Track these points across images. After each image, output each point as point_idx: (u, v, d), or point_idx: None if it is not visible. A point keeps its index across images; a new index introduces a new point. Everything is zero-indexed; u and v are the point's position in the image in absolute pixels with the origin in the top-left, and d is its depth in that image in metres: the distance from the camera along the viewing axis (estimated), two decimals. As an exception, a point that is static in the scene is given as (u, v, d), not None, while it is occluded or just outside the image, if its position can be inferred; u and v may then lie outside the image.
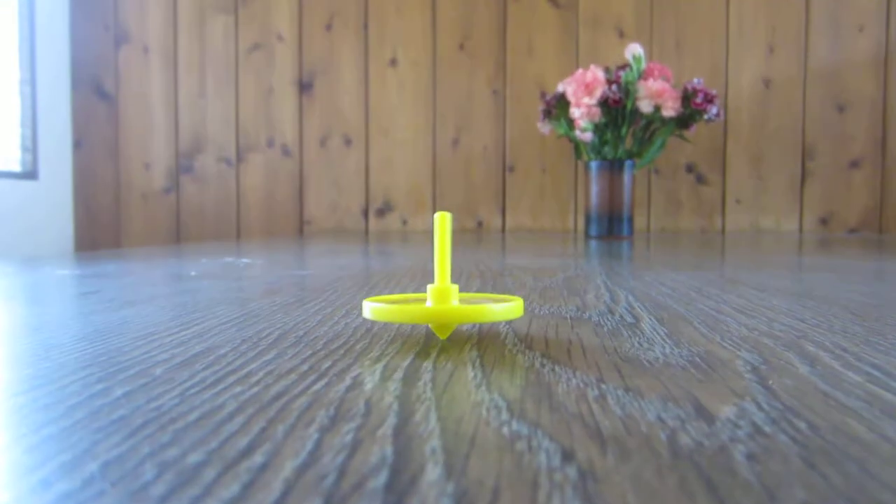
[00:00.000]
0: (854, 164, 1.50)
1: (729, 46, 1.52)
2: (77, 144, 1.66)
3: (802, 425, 0.15)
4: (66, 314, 0.30)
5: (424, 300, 0.26)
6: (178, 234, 1.65)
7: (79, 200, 1.66)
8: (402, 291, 0.41)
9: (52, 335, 0.25)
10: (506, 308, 0.24)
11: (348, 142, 1.61)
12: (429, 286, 0.25)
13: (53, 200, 1.60)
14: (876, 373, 0.20)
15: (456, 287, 0.25)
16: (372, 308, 0.24)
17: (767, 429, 0.15)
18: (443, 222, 0.24)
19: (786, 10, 1.50)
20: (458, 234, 1.40)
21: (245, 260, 0.65)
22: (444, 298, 0.24)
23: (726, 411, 0.16)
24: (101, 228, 1.66)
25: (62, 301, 0.35)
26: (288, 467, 0.12)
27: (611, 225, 1.12)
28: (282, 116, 1.62)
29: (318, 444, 0.13)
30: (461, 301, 0.26)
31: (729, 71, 1.52)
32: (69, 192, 1.65)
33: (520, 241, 1.08)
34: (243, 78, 1.63)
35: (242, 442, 0.13)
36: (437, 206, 1.60)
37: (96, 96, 1.65)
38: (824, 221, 1.52)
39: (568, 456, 0.13)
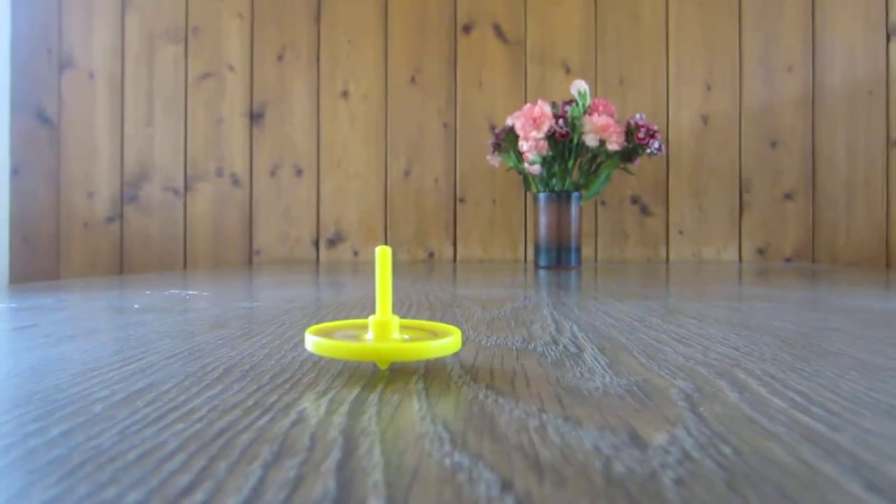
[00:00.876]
0: (787, 197, 1.58)
1: (669, 84, 1.59)
2: (15, 171, 1.60)
3: (728, 450, 0.16)
4: None
5: (366, 327, 0.27)
6: (122, 264, 1.60)
7: (15, 230, 1.60)
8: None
9: (-15, 373, 0.24)
10: (443, 344, 0.24)
11: (299, 172, 1.60)
12: (370, 317, 0.25)
13: (-12, 230, 1.54)
14: (798, 398, 0.21)
15: (396, 318, 0.25)
16: (314, 342, 0.24)
17: (696, 454, 0.16)
18: (384, 256, 0.25)
19: (721, 51, 1.58)
20: (410, 265, 1.40)
21: (191, 292, 0.64)
22: (384, 330, 0.25)
23: (659, 438, 0.17)
24: (38, 259, 1.60)
25: (-4, 336, 0.34)
26: (229, 504, 0.12)
27: (559, 255, 1.14)
28: (231, 146, 1.61)
29: (262, 480, 0.13)
30: (402, 329, 0.27)
31: (670, 107, 1.59)
32: (5, 220, 1.59)
33: (470, 272, 1.09)
34: (192, 107, 1.61)
35: (184, 480, 0.13)
36: (388, 237, 1.60)
37: (37, 122, 1.60)
38: (762, 251, 1.58)
39: (507, 486, 0.13)
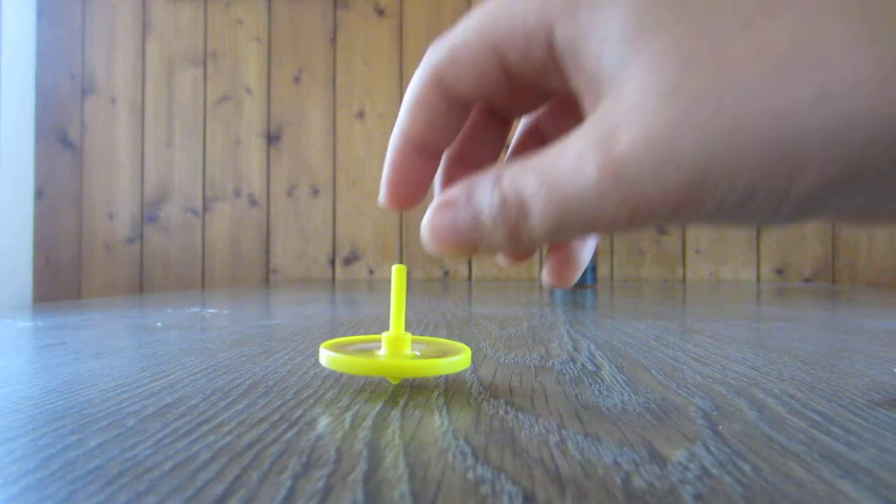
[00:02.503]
0: (805, 217, 1.57)
1: (684, 104, 1.59)
2: (39, 194, 1.64)
3: (747, 467, 0.16)
4: (32, 367, 0.30)
5: (379, 343, 0.27)
6: (142, 283, 1.62)
7: (39, 250, 1.63)
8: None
9: (19, 388, 0.25)
10: (452, 361, 0.25)
11: (315, 192, 1.62)
12: (384, 333, 0.26)
13: (13, 251, 1.57)
14: (818, 418, 0.22)
15: (408, 335, 0.26)
16: (328, 357, 0.25)
17: (714, 471, 0.16)
18: (399, 275, 0.26)
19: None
20: (425, 283, 1.40)
21: (211, 310, 0.65)
22: (396, 346, 0.26)
23: (678, 455, 0.17)
24: (61, 278, 1.63)
25: (26, 353, 0.35)
26: (263, 512, 0.13)
27: (575, 275, 1.14)
28: (249, 167, 1.63)
29: (292, 490, 0.14)
30: (414, 345, 0.28)
31: (685, 127, 1.59)
32: (29, 241, 1.62)
33: (486, 290, 1.09)
34: (211, 129, 1.64)
35: (218, 489, 0.14)
36: (403, 256, 1.61)
37: (61, 146, 1.64)
38: (780, 271, 1.57)
39: (529, 498, 0.14)
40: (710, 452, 0.17)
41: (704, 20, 0.16)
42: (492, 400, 0.24)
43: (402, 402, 0.23)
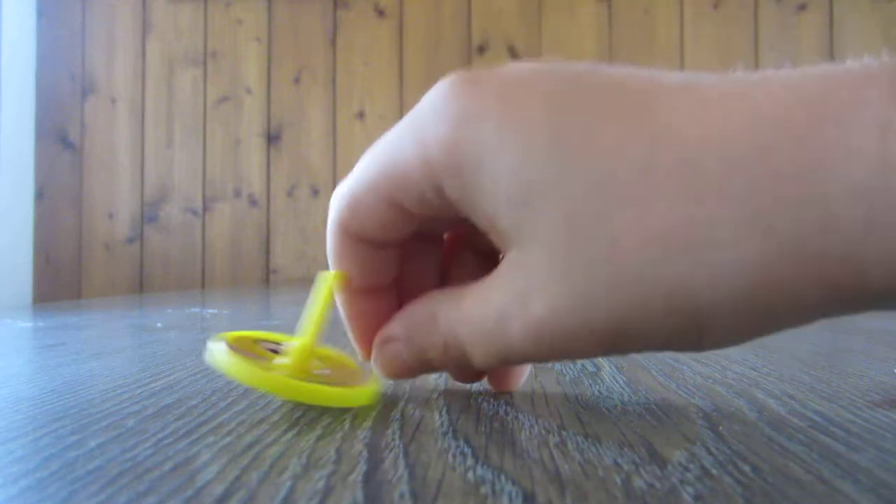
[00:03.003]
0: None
1: (684, 105, 1.59)
2: (39, 194, 1.64)
3: (747, 468, 0.16)
4: (32, 367, 0.30)
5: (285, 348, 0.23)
6: (142, 283, 1.63)
7: (39, 251, 1.63)
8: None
9: (19, 388, 0.25)
10: (355, 393, 0.21)
11: (315, 192, 1.62)
12: (291, 343, 0.23)
13: (13, 251, 1.57)
14: (818, 419, 0.22)
15: (326, 349, 0.24)
16: (216, 355, 0.20)
17: (714, 471, 0.16)
18: (326, 284, 0.22)
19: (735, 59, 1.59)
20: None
21: (211, 310, 0.65)
22: (301, 357, 0.22)
23: (678, 455, 0.17)
24: (61, 279, 1.63)
25: (27, 354, 0.35)
26: (263, 513, 0.13)
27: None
28: (249, 167, 1.63)
29: (292, 491, 0.14)
30: (322, 359, 0.25)
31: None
32: (29, 242, 1.62)
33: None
34: (211, 129, 1.64)
35: (218, 489, 0.14)
36: (404, 257, 1.61)
37: (61, 146, 1.64)
38: (779, 272, 1.57)
39: (529, 498, 0.14)
40: (710, 453, 0.17)
41: (589, 185, 0.16)
42: (492, 400, 0.24)
43: (402, 403, 0.23)
